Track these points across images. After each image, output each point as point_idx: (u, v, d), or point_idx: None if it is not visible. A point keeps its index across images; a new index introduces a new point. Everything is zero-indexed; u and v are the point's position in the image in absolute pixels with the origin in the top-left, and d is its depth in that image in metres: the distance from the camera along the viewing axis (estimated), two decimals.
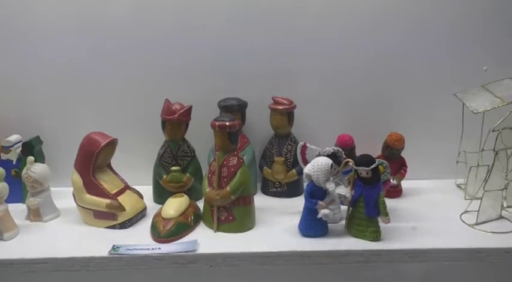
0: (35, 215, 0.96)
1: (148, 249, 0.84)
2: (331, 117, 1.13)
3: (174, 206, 0.93)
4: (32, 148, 1.03)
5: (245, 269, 0.93)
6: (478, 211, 0.92)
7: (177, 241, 0.87)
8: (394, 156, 1.04)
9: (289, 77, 1.11)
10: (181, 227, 0.89)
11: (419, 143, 1.12)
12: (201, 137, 1.06)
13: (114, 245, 0.85)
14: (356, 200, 0.87)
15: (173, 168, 1.02)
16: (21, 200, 1.03)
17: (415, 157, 1.08)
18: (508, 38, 1.09)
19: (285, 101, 1.05)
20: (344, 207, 0.91)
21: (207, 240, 0.88)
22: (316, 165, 0.86)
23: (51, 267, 0.82)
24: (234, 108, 1.05)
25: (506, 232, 0.90)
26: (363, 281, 1.10)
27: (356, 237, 0.88)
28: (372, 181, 0.85)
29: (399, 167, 1.06)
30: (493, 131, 0.89)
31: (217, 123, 0.90)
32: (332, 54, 1.10)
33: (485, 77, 1.04)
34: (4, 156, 1.04)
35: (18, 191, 1.02)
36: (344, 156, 0.91)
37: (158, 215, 0.92)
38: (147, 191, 1.04)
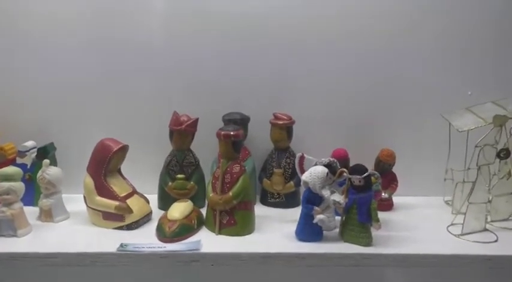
0: (46, 215, 1.01)
1: (154, 247, 0.89)
2: (327, 133, 1.19)
3: (179, 209, 0.98)
4: (47, 153, 1.09)
5: (245, 269, 0.97)
6: (463, 222, 0.98)
7: (181, 241, 0.92)
8: (385, 171, 1.10)
9: (288, 95, 1.18)
10: (185, 229, 0.94)
11: (409, 162, 1.17)
12: (205, 149, 1.12)
13: (122, 243, 0.89)
14: (349, 207, 0.93)
15: (178, 175, 1.07)
16: (33, 203, 1.07)
17: (406, 175, 1.14)
18: (491, 66, 1.18)
19: (284, 117, 1.12)
20: (338, 218, 0.97)
21: (209, 241, 0.92)
22: (313, 173, 0.92)
23: (62, 262, 0.87)
24: (237, 122, 1.09)
25: (489, 242, 0.96)
26: None
27: (349, 242, 0.93)
28: (364, 189, 0.92)
29: (390, 181, 1.12)
30: (476, 146, 0.96)
31: (222, 133, 0.96)
32: (329, 76, 1.18)
33: (470, 100, 1.11)
34: (19, 160, 1.09)
35: (30, 194, 1.05)
36: (339, 167, 0.97)
37: (164, 217, 0.97)
38: (151, 198, 1.08)
